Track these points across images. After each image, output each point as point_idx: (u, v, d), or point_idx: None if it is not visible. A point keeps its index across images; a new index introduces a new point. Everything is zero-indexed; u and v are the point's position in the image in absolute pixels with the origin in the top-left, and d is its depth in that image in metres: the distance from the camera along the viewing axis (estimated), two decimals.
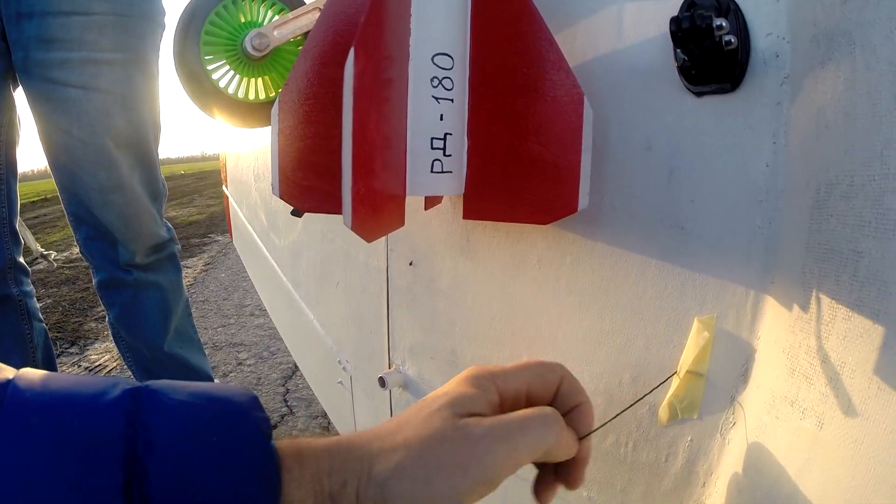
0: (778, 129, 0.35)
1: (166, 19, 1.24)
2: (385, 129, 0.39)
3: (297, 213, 0.55)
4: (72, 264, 4.28)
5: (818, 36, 0.31)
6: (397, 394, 0.76)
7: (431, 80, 0.43)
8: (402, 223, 0.43)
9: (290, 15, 0.59)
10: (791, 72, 0.34)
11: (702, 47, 0.35)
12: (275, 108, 0.47)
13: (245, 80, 0.61)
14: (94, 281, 1.37)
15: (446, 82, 0.44)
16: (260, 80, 0.62)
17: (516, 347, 0.53)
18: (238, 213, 1.91)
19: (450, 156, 0.44)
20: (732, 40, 0.35)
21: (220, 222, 5.94)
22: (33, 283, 1.36)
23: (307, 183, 0.48)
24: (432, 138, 0.43)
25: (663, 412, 0.43)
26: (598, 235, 0.45)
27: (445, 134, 0.44)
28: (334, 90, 0.46)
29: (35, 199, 11.09)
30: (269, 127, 0.49)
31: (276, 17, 0.62)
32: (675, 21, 0.34)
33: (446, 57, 0.43)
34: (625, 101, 0.43)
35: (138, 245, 1.31)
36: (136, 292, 1.36)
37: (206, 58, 0.59)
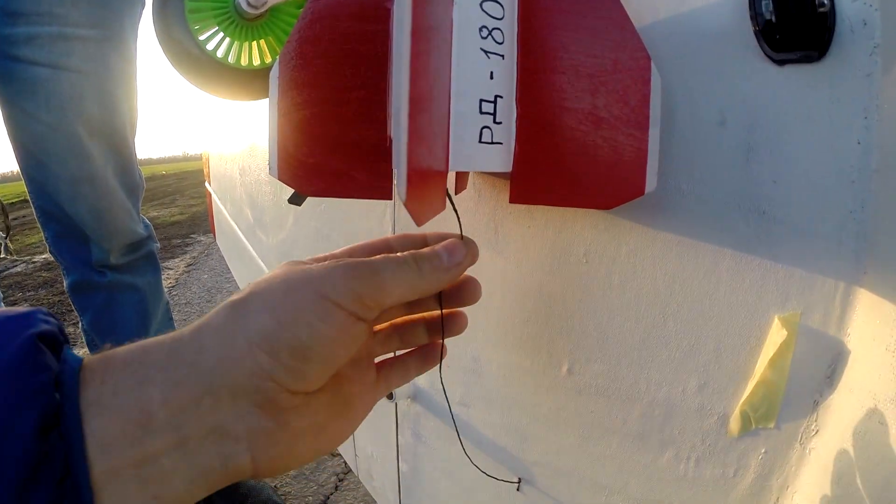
0: (869, 103, 0.37)
1: None
2: (427, 88, 0.37)
3: (297, 199, 0.54)
4: (49, 267, 4.62)
5: None
6: (405, 406, 0.75)
7: (480, 29, 0.42)
8: (443, 207, 0.43)
9: None
10: (881, 41, 0.36)
11: (797, 3, 0.36)
12: (274, 72, 0.46)
13: (238, 44, 0.60)
14: (65, 283, 1.38)
15: (496, 34, 0.43)
16: (255, 43, 0.61)
17: (556, 353, 0.55)
18: (222, 210, 1.96)
19: (500, 123, 0.44)
20: (826, 0, 0.37)
21: (202, 222, 6.57)
22: (10, 286, 1.32)
23: (313, 160, 0.47)
24: (481, 100, 0.43)
25: (735, 423, 0.44)
26: (662, 223, 0.46)
27: (496, 96, 0.43)
28: (352, 46, 0.46)
29: (14, 200, 12.16)
30: (266, 99, 0.48)
31: None
32: None
33: (496, 4, 0.42)
34: (694, 69, 0.44)
35: (112, 243, 1.33)
36: (111, 295, 1.38)
37: (192, 16, 0.57)
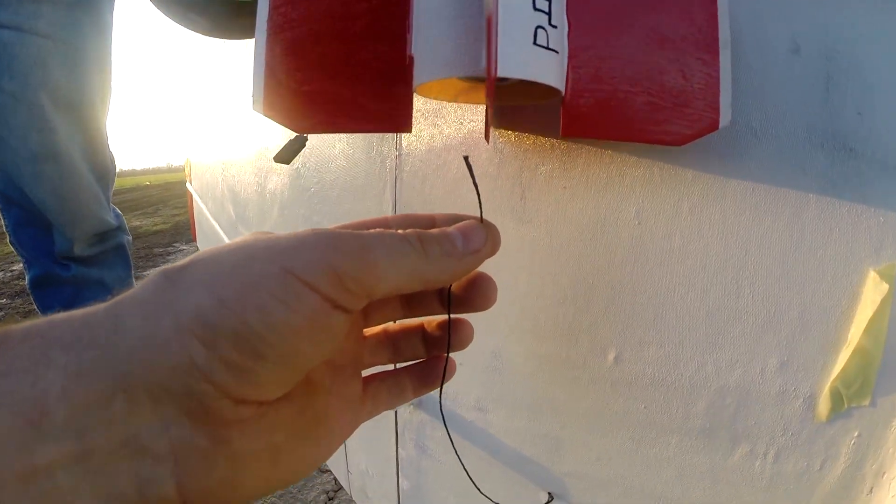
0: None
1: None
2: None
3: (286, 153, 0.52)
4: None
5: None
6: (406, 414, 0.71)
7: None
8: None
9: None
10: None
11: None
12: None
13: None
14: (26, 279, 1.38)
15: None
16: None
17: (599, 338, 0.53)
18: (203, 209, 2.00)
19: (555, 27, 0.41)
20: None
21: (184, 231, 6.93)
22: None
23: (309, 87, 0.44)
24: None
25: (824, 404, 0.42)
26: (731, 170, 0.45)
27: None
28: None
29: None
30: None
31: None
32: None
33: None
34: None
35: (77, 231, 1.33)
36: (77, 291, 1.38)
37: None
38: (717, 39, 0.42)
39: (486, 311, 0.40)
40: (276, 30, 0.44)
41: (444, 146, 0.60)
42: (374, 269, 0.31)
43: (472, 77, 0.45)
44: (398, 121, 0.45)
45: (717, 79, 0.42)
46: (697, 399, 0.48)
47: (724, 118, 0.42)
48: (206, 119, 1.81)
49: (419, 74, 0.43)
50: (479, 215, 0.38)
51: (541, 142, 0.52)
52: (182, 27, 0.71)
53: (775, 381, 0.45)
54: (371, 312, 0.41)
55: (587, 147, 0.50)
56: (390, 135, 0.67)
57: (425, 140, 0.62)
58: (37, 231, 1.32)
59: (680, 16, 0.43)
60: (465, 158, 0.37)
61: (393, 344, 0.43)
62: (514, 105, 0.51)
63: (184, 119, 2.26)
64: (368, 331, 0.42)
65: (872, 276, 0.40)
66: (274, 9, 0.44)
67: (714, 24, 0.42)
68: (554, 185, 0.53)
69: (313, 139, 0.84)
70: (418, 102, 0.61)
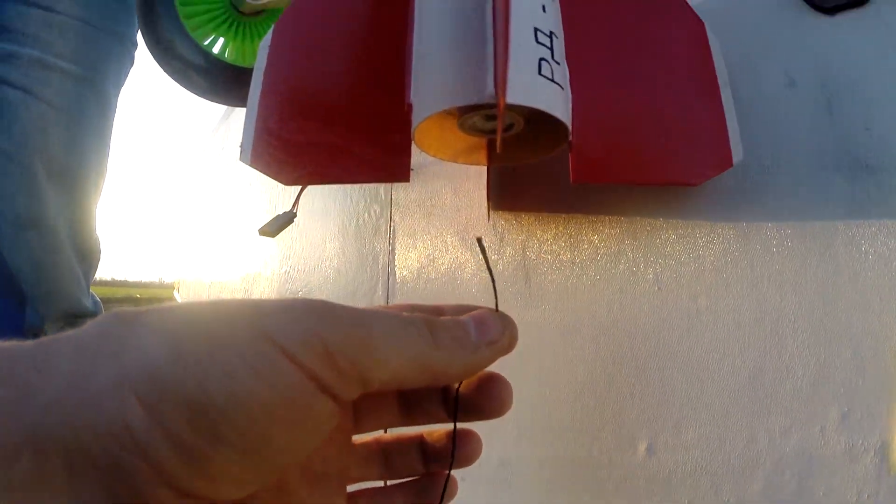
0: None
1: (137, 55, 1.35)
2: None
3: (272, 227, 0.51)
4: None
5: None
6: None
7: None
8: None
9: None
10: None
11: None
12: (265, 41, 0.46)
13: (230, 43, 0.68)
14: None
15: None
16: (249, 43, 0.68)
17: (626, 429, 0.48)
18: None
19: (559, 63, 0.43)
20: None
21: None
22: None
23: (302, 137, 0.44)
24: (536, 29, 0.42)
25: None
26: (750, 212, 0.45)
27: (551, 32, 0.42)
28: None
29: None
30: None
31: None
32: None
33: None
34: (747, 38, 0.47)
35: (51, 308, 1.26)
36: None
37: (184, 9, 0.65)
38: (716, 80, 0.44)
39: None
40: (271, 79, 0.45)
41: (439, 239, 0.60)
42: (373, 349, 0.26)
43: (475, 130, 0.46)
44: (395, 170, 0.44)
45: (723, 116, 0.43)
46: (752, 479, 0.43)
47: (737, 154, 0.43)
48: (199, 240, 1.81)
49: (419, 114, 0.44)
50: (494, 306, 0.34)
51: (543, 217, 0.52)
52: (181, 86, 0.75)
53: (839, 437, 0.41)
54: (363, 416, 0.36)
55: (591, 217, 0.50)
56: (382, 230, 0.67)
57: (419, 234, 0.62)
58: (9, 303, 1.25)
59: (677, 63, 0.45)
60: (479, 240, 0.35)
61: (386, 456, 0.37)
62: (516, 164, 0.51)
63: (178, 238, 2.27)
64: (359, 439, 0.36)
65: None
66: (271, 63, 0.45)
67: (710, 67, 0.44)
68: (560, 261, 0.52)
69: (304, 241, 0.84)
70: (412, 194, 0.62)
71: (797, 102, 0.44)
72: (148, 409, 0.21)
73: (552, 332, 0.52)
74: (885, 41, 0.42)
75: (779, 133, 0.45)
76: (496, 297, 0.34)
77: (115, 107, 1.35)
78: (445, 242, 0.60)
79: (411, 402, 0.36)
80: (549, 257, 0.52)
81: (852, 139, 0.42)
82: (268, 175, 0.44)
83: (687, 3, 0.46)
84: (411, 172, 0.66)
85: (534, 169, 0.52)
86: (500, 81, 0.37)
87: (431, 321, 0.29)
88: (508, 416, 0.51)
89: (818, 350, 0.42)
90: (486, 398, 0.34)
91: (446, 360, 0.29)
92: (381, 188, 0.70)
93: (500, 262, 0.55)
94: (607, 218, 0.49)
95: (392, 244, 0.65)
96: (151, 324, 0.24)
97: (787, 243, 0.43)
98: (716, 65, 0.44)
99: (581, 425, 0.50)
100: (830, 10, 0.44)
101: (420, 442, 0.37)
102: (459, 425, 0.35)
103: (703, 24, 0.45)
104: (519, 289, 0.53)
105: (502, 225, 0.55)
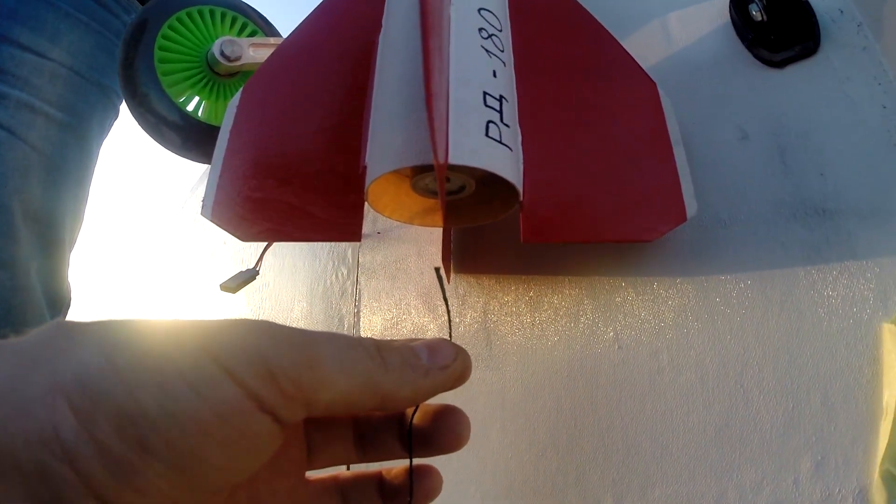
0: (876, 71, 0.43)
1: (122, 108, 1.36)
2: (428, 77, 0.38)
3: (233, 283, 0.52)
4: None
5: None
6: None
7: (480, 30, 0.44)
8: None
9: (272, 40, 0.68)
10: (863, 19, 0.44)
11: None
12: (233, 101, 0.47)
13: (205, 102, 0.69)
14: None
15: (496, 41, 0.45)
16: (222, 103, 0.69)
17: (590, 489, 0.45)
18: None
19: (508, 127, 0.43)
20: None
21: None
22: None
23: (261, 194, 0.45)
24: (485, 93, 0.42)
25: (878, 494, 0.40)
26: (709, 266, 0.44)
27: (501, 96, 0.43)
28: (328, 72, 0.49)
29: None
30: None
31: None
32: None
33: (493, 16, 0.45)
34: (700, 96, 0.49)
35: None
36: None
37: (162, 66, 0.67)
38: (668, 138, 0.44)
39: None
40: (236, 138, 0.46)
41: (404, 302, 0.59)
42: (318, 368, 0.25)
43: (427, 192, 0.46)
44: (347, 230, 0.45)
45: (676, 173, 0.44)
46: None
47: (691, 209, 0.43)
48: (170, 297, 1.75)
49: (371, 175, 0.43)
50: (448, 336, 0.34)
51: (503, 279, 0.51)
52: (154, 140, 0.76)
53: (815, 487, 0.39)
54: (317, 449, 0.34)
55: (551, 277, 0.49)
56: (349, 292, 0.67)
57: (383, 297, 0.62)
58: None
59: (629, 122, 0.46)
60: (437, 270, 0.36)
61: (343, 494, 0.35)
62: (471, 225, 0.51)
63: (148, 293, 2.18)
64: (314, 476, 0.34)
65: (888, 328, 0.38)
66: (237, 123, 0.46)
67: (663, 126, 0.45)
68: (521, 323, 0.51)
69: (273, 301, 0.83)
70: (378, 257, 0.63)
71: (751, 154, 0.45)
72: (79, 418, 0.21)
73: (514, 395, 0.50)
74: (834, 87, 0.43)
75: (734, 186, 0.45)
76: (450, 328, 0.34)
77: (97, 157, 1.36)
78: (409, 306, 0.59)
79: (367, 436, 0.35)
80: (510, 319, 0.51)
81: (807, 186, 0.42)
82: (227, 230, 0.44)
83: (639, 65, 0.47)
84: (378, 235, 0.65)
85: (494, 230, 0.52)
86: (440, 143, 0.36)
87: (381, 343, 0.29)
88: (470, 478, 0.49)
89: (786, 400, 0.41)
90: (442, 431, 0.33)
91: (395, 382, 0.28)
92: (349, 250, 0.69)
93: (462, 325, 0.54)
94: (566, 278, 0.48)
95: (357, 307, 0.64)
96: (91, 334, 0.23)
97: (748, 294, 0.43)
98: (668, 123, 0.45)
99: (545, 488, 0.47)
100: (780, 64, 0.46)
101: (379, 479, 0.35)
102: (419, 461, 0.34)
103: (654, 84, 0.46)
104: (480, 352, 0.52)
105: (464, 287, 0.54)
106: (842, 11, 0.45)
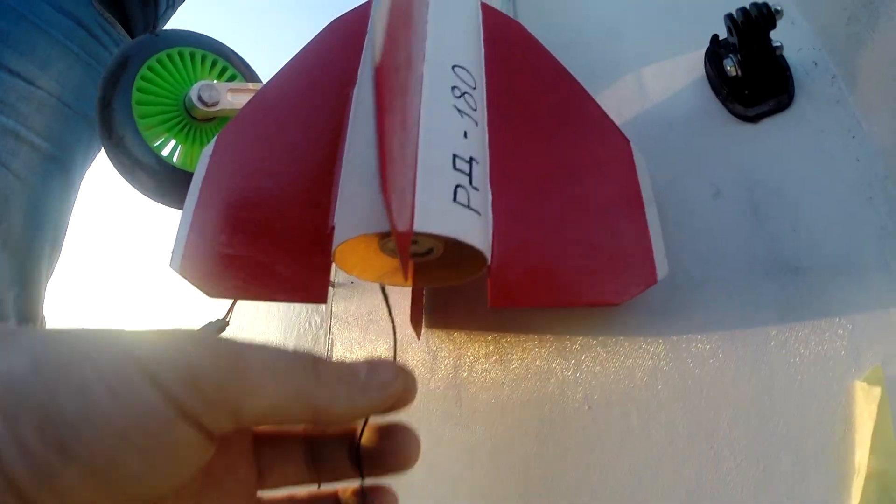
0: (850, 123, 0.43)
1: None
2: (393, 140, 0.36)
3: (204, 332, 0.51)
4: None
5: (855, 12, 0.42)
6: None
7: (452, 89, 0.43)
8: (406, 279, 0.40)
9: (251, 85, 0.67)
10: (836, 71, 0.44)
11: (760, 46, 0.44)
12: (206, 149, 0.46)
13: (181, 146, 0.69)
14: None
15: (469, 99, 0.44)
16: (198, 148, 0.69)
17: None
18: None
19: (477, 190, 0.42)
20: (781, 43, 0.45)
21: None
22: None
23: (230, 251, 0.44)
24: (455, 156, 0.41)
25: None
26: (680, 326, 0.44)
27: (471, 158, 0.42)
28: (301, 126, 0.48)
29: None
30: None
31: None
32: (737, 13, 0.42)
33: (467, 73, 0.45)
34: (674, 153, 0.48)
35: None
36: None
37: (139, 108, 0.67)
38: (640, 197, 0.44)
39: None
40: (208, 189, 0.45)
41: (374, 354, 0.60)
42: (245, 375, 0.24)
43: (395, 253, 0.44)
44: (313, 291, 0.44)
45: (648, 234, 0.43)
46: None
47: (661, 271, 0.42)
48: None
49: (338, 238, 0.42)
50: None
51: (475, 336, 0.51)
52: (128, 183, 0.76)
53: None
54: (267, 468, 0.33)
55: (521, 336, 0.49)
56: (321, 341, 0.67)
57: (355, 348, 0.62)
58: None
59: (602, 182, 0.45)
60: (382, 288, 0.36)
61: None
62: (441, 286, 0.50)
63: None
64: (268, 495, 0.33)
65: (860, 386, 0.37)
66: (210, 174, 0.45)
67: (635, 185, 0.44)
68: (492, 380, 0.50)
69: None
70: (351, 307, 0.63)
71: (724, 211, 0.45)
72: (3, 416, 0.21)
73: (484, 453, 0.49)
74: (808, 140, 0.43)
75: (707, 244, 0.45)
76: (395, 348, 0.34)
77: (78, 189, 1.34)
78: (380, 357, 0.57)
79: (318, 455, 0.34)
80: (481, 376, 0.50)
81: (780, 242, 0.42)
82: (193, 285, 0.43)
83: (613, 122, 0.46)
84: (352, 284, 0.64)
85: (466, 287, 0.50)
86: (401, 211, 0.35)
87: (319, 358, 0.28)
88: None
89: (756, 461, 0.40)
90: (390, 450, 0.32)
91: (329, 396, 0.27)
92: None
93: (433, 380, 0.53)
94: (537, 337, 0.48)
95: (329, 356, 0.62)
96: (22, 337, 0.23)
97: (719, 354, 0.42)
98: (641, 182, 0.45)
99: None
100: (754, 119, 0.46)
101: (335, 500, 0.34)
102: (374, 481, 0.33)
103: (628, 142, 0.46)
104: (450, 408, 0.51)
105: (435, 342, 0.54)
106: (816, 64, 0.45)
